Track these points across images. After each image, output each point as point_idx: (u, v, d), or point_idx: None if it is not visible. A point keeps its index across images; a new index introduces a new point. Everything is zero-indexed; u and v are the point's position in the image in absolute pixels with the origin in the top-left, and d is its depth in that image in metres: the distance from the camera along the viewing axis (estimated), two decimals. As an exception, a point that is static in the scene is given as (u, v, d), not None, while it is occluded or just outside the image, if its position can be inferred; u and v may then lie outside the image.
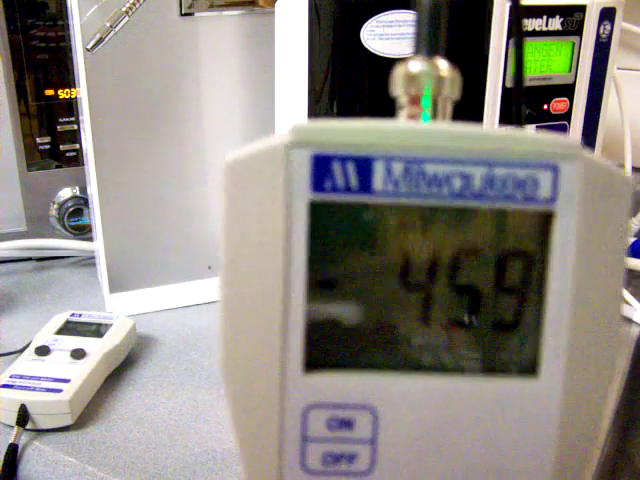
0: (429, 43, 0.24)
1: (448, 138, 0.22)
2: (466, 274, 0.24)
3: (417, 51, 0.24)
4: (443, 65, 0.24)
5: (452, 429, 0.24)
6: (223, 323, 0.23)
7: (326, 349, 0.24)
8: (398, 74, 0.24)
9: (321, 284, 0.23)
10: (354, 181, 0.22)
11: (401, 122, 0.24)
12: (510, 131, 0.22)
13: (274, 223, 0.22)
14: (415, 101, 0.24)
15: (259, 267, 0.23)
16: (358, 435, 0.24)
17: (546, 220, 0.23)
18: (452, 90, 0.24)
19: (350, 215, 0.23)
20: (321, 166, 0.22)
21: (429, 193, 0.22)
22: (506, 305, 0.24)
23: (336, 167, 0.22)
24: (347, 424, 0.24)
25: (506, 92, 0.53)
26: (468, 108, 0.51)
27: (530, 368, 0.24)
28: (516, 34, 0.29)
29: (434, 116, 0.24)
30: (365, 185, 0.22)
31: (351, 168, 0.22)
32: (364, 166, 0.22)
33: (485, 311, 0.24)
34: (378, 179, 0.22)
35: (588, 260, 0.23)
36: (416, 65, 0.24)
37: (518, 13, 0.29)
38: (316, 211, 0.22)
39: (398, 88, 0.25)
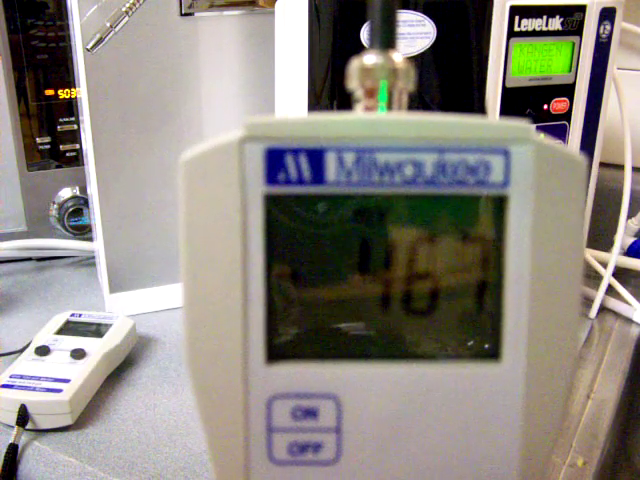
0: (383, 37, 0.25)
1: (398, 127, 0.22)
2: (424, 261, 0.24)
3: (372, 45, 0.25)
4: (397, 57, 0.25)
5: (416, 416, 0.24)
6: (186, 318, 0.24)
7: (287, 339, 0.24)
8: (353, 68, 0.25)
9: (280, 276, 0.24)
10: (307, 173, 0.23)
11: (352, 113, 0.25)
12: (461, 117, 0.23)
13: (231, 217, 0.23)
14: (371, 94, 0.25)
15: (218, 262, 0.23)
16: (323, 424, 0.24)
17: (500, 204, 0.23)
18: (407, 81, 0.25)
19: (305, 206, 0.23)
20: (274, 160, 0.22)
21: (381, 181, 0.23)
22: (466, 291, 0.24)
23: (289, 160, 0.22)
24: (311, 413, 0.24)
25: (506, 92, 0.53)
26: (468, 108, 0.51)
27: (492, 353, 0.24)
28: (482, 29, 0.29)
29: (390, 108, 0.25)
30: (318, 176, 0.23)
31: (304, 160, 0.22)
32: (316, 158, 0.22)
33: (445, 297, 0.24)
34: (330, 170, 0.23)
35: (545, 243, 0.23)
36: (371, 58, 0.25)
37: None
38: (271, 204, 0.23)
39: (354, 82, 0.25)
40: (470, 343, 0.25)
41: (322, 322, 0.25)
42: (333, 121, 0.22)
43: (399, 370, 0.24)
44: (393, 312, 0.24)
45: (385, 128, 0.22)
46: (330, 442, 0.25)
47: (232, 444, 0.24)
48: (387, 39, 0.25)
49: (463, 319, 0.25)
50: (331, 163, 0.22)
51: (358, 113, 0.25)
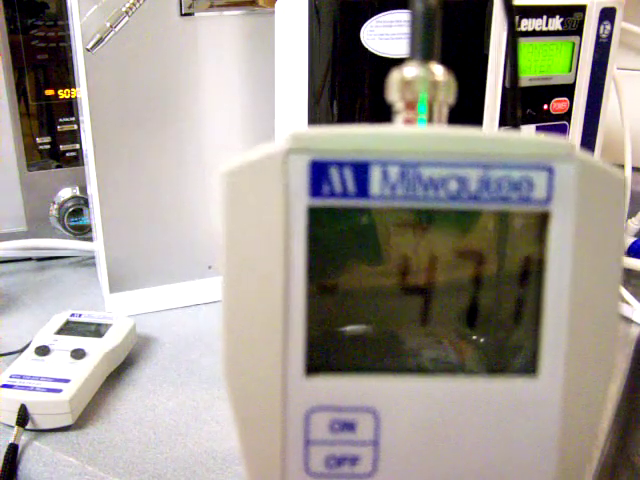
0: (424, 48, 0.25)
1: (443, 141, 0.22)
2: (464, 276, 0.24)
3: (412, 56, 0.25)
4: (438, 70, 0.25)
5: (453, 430, 0.24)
6: (225, 328, 0.23)
7: (327, 352, 0.24)
8: (394, 80, 0.25)
9: (321, 288, 0.24)
10: (351, 186, 0.22)
11: (397, 127, 0.25)
12: (505, 133, 0.23)
13: (274, 229, 0.23)
14: (411, 106, 0.25)
15: (260, 273, 0.23)
16: (360, 437, 0.24)
17: (543, 220, 0.23)
18: (447, 94, 0.25)
19: (348, 220, 0.23)
20: (319, 172, 0.22)
21: (426, 196, 0.23)
22: (505, 306, 0.24)
23: (333, 173, 0.22)
24: (349, 426, 0.24)
25: (506, 92, 0.53)
26: (468, 108, 0.51)
27: (530, 367, 0.24)
28: (510, 35, 0.30)
29: (430, 120, 0.25)
30: (362, 190, 0.23)
31: (348, 173, 0.22)
32: (361, 171, 0.22)
33: (484, 312, 0.24)
34: (375, 184, 0.22)
35: (585, 259, 0.23)
36: (411, 71, 0.25)
37: (511, 14, 0.29)
38: (315, 216, 0.23)
39: (394, 93, 0.25)
40: (509, 358, 0.25)
41: (362, 335, 0.25)
42: (378, 134, 0.22)
43: (437, 384, 0.24)
44: (433, 326, 0.24)
45: (430, 142, 0.22)
46: (367, 455, 0.25)
47: (269, 456, 0.24)
48: (428, 50, 0.25)
49: (502, 334, 0.25)
50: (375, 176, 0.22)
51: (401, 126, 0.25)
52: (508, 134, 0.23)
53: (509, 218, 0.23)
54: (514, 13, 0.29)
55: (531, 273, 0.24)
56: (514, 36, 0.30)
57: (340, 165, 0.22)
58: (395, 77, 0.25)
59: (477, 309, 0.24)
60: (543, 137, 0.23)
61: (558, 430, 0.24)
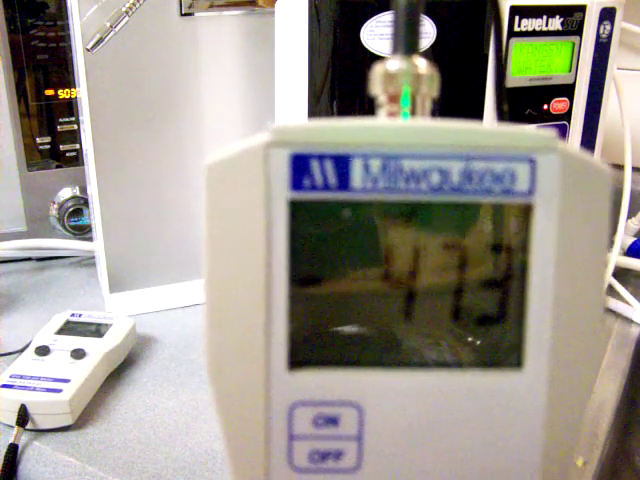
0: (407, 42, 0.25)
1: (425, 134, 0.22)
2: (448, 269, 0.24)
3: (395, 50, 0.25)
4: (421, 63, 0.24)
5: (437, 424, 0.24)
6: (208, 323, 0.23)
7: (310, 346, 0.24)
8: (377, 73, 0.25)
9: (303, 282, 0.23)
10: (333, 179, 0.22)
11: (377, 119, 0.24)
12: (487, 125, 0.22)
13: (255, 223, 0.23)
14: (394, 99, 0.25)
15: (241, 267, 0.23)
16: (344, 432, 0.24)
17: (526, 212, 0.23)
18: (430, 87, 0.25)
19: (330, 213, 0.23)
20: (300, 165, 0.22)
21: (407, 189, 0.23)
22: (489, 299, 0.24)
23: (314, 166, 0.22)
24: (333, 421, 0.24)
25: (506, 92, 0.53)
26: (468, 108, 0.51)
27: (515, 361, 0.24)
28: (496, 30, 0.30)
29: (413, 113, 0.25)
30: (344, 182, 0.22)
31: (329, 166, 0.22)
32: (342, 164, 0.22)
33: (468, 305, 0.24)
34: (356, 176, 0.22)
35: (569, 251, 0.23)
36: (394, 64, 0.24)
37: (497, 10, 0.29)
38: (296, 210, 0.23)
39: (377, 87, 0.25)
40: (493, 352, 0.24)
41: (345, 329, 0.24)
42: (359, 127, 0.22)
43: (421, 378, 0.24)
44: (417, 320, 0.24)
45: (412, 135, 0.22)
46: (351, 450, 0.25)
47: (253, 451, 0.24)
48: (411, 44, 0.24)
49: (486, 327, 0.24)
50: (357, 169, 0.22)
51: (384, 119, 0.25)
52: (490, 126, 0.23)
53: (491, 210, 0.23)
54: (499, 10, 0.29)
55: (514, 266, 0.24)
56: (498, 32, 0.30)
57: (321, 158, 0.22)
58: (378, 70, 0.25)
59: (461, 303, 0.24)
60: (525, 129, 0.23)
61: (543, 423, 0.24)
